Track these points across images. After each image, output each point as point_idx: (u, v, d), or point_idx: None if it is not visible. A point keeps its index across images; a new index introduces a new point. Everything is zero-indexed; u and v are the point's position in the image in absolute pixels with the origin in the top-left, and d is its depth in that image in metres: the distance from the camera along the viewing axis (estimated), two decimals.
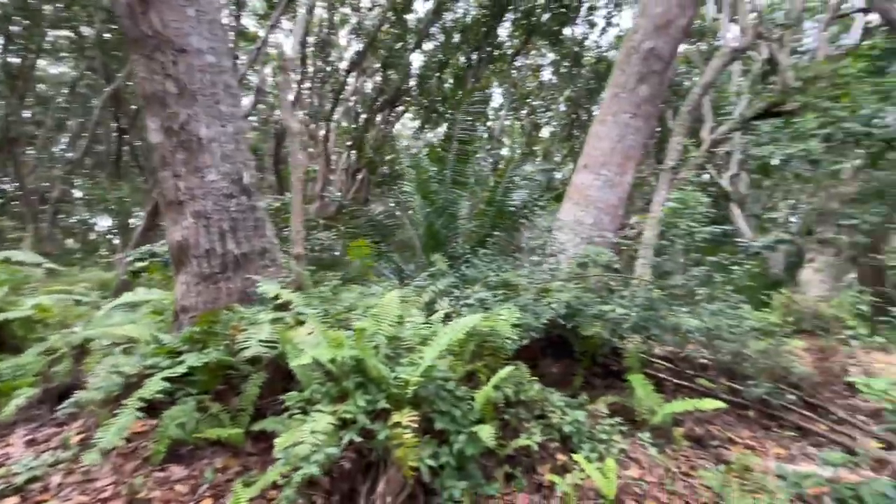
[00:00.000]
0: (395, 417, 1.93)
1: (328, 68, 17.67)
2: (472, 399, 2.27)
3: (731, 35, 9.65)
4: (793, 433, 3.28)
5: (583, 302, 3.58)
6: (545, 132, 21.33)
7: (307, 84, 17.73)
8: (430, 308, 3.48)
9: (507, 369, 2.36)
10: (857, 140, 3.27)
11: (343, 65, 18.77)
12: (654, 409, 3.27)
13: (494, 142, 13.42)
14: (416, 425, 1.89)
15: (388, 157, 17.95)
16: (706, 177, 11.93)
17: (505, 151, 23.11)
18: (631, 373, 3.84)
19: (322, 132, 16.40)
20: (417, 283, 4.15)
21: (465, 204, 6.36)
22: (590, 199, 4.87)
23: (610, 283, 3.97)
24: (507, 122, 21.26)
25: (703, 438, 3.20)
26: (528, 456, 2.41)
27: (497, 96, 19.81)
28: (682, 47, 15.21)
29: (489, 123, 20.67)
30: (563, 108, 18.51)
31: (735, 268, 4.60)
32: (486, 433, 1.99)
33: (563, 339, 4.27)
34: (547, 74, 19.80)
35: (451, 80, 15.76)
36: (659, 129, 12.81)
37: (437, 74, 17.19)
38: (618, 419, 2.91)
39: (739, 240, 3.95)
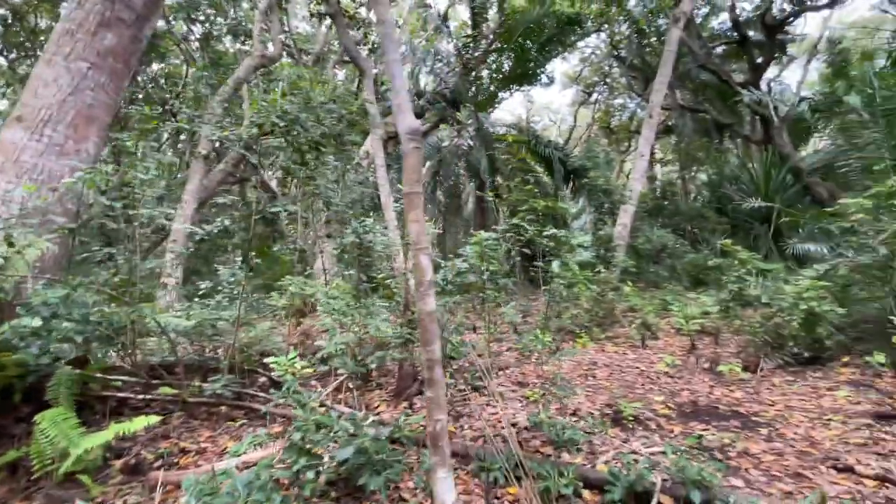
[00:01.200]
0: None
1: None
2: None
3: (269, 44, 10.26)
4: (247, 419, 3.35)
5: None
6: None
7: None
8: None
9: None
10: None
11: None
12: (69, 452, 2.45)
13: None
14: None
15: None
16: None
17: None
18: (57, 405, 2.84)
19: None
20: None
21: None
22: (23, 167, 3.40)
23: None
24: None
25: (140, 464, 2.68)
26: None
27: None
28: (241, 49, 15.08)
29: None
30: None
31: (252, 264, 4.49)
32: None
33: None
34: None
35: None
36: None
37: None
38: None
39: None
